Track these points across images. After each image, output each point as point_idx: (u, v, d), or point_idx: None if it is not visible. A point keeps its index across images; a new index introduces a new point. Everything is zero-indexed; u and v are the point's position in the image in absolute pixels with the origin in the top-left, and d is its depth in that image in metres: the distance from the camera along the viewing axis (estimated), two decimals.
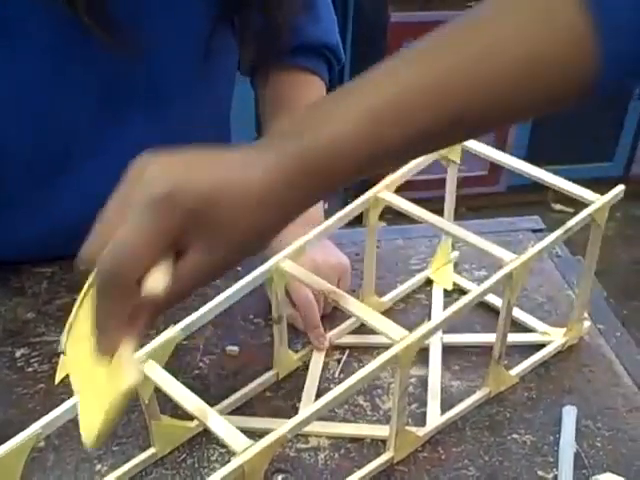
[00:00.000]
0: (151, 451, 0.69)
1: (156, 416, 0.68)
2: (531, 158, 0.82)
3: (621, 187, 0.77)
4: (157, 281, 0.46)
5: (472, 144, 0.83)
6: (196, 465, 0.70)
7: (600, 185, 0.78)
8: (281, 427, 0.58)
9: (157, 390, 0.64)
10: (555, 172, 0.80)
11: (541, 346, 0.82)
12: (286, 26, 0.81)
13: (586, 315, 0.84)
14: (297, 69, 0.92)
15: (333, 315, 0.85)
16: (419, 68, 0.50)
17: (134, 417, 0.73)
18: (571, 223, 0.74)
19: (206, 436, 0.71)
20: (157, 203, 0.45)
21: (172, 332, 0.66)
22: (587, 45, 0.50)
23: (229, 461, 0.56)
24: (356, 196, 0.80)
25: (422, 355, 0.80)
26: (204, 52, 0.82)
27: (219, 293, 0.69)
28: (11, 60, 0.73)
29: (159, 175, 0.46)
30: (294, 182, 0.48)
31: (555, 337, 0.83)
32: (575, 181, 0.79)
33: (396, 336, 0.64)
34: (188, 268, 0.48)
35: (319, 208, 0.88)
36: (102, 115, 0.80)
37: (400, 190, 0.80)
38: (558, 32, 0.50)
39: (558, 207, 2.54)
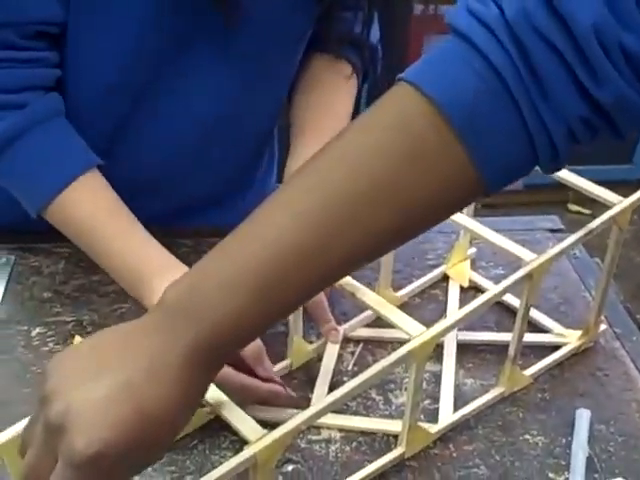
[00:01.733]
0: None
1: None
2: None
3: None
4: None
5: None
6: (207, 452, 0.70)
7: (618, 187, 0.77)
8: (294, 418, 0.58)
9: None
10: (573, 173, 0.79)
11: (556, 347, 0.82)
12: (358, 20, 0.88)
13: (602, 318, 0.83)
14: (340, 58, 0.95)
15: (348, 307, 0.85)
16: (296, 224, 0.48)
17: None
18: (593, 225, 0.73)
19: (218, 423, 0.71)
20: (83, 467, 0.45)
21: None
22: (466, 174, 0.50)
23: (241, 449, 0.56)
24: None
25: (436, 351, 0.80)
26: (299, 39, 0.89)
27: None
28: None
29: (78, 433, 0.45)
30: (201, 378, 0.49)
31: (571, 339, 0.82)
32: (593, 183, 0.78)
33: (413, 331, 0.64)
34: None
35: None
36: (184, 62, 0.82)
37: None
38: (434, 168, 0.49)
39: (575, 208, 2.53)
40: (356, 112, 1.00)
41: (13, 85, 0.77)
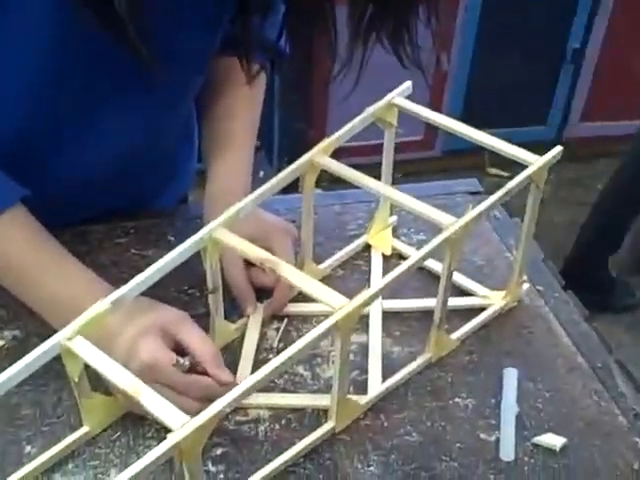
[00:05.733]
0: (83, 430, 0.67)
1: (87, 393, 0.65)
2: (465, 122, 0.80)
3: (559, 148, 0.76)
4: None
5: (409, 106, 0.81)
6: (131, 443, 0.67)
7: (534, 149, 0.77)
8: (218, 401, 0.55)
9: (88, 366, 0.61)
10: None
11: (481, 309, 0.82)
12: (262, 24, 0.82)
13: (525, 278, 0.84)
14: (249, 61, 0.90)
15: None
16: None
17: (64, 395, 0.70)
18: (511, 185, 0.73)
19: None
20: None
21: (101, 306, 0.63)
22: None
23: (166, 437, 0.54)
24: (290, 161, 0.77)
25: (362, 321, 0.79)
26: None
27: (150, 264, 0.67)
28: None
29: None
30: None
31: (494, 300, 0.82)
32: None
33: (336, 304, 0.62)
34: None
35: (245, 183, 0.87)
36: (89, 97, 0.77)
37: (335, 156, 0.78)
38: None
39: (494, 171, 2.56)
40: (270, 104, 0.99)
41: None
